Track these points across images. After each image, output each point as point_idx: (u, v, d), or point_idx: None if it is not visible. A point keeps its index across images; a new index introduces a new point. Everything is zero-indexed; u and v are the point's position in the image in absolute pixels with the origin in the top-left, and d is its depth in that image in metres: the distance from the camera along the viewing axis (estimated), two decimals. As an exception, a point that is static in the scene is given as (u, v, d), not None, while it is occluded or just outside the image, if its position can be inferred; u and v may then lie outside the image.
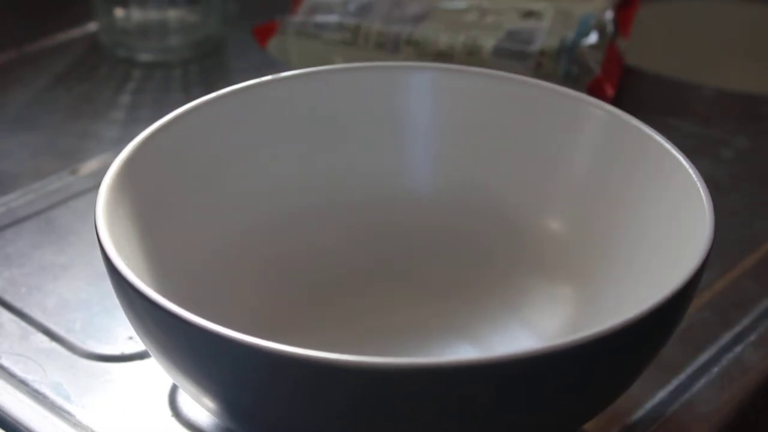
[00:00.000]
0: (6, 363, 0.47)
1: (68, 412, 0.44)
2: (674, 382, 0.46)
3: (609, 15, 0.64)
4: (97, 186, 0.42)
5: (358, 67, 0.50)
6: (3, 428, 0.44)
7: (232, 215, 0.47)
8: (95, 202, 0.40)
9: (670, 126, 0.62)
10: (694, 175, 0.42)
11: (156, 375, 0.46)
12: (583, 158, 0.47)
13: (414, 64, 0.51)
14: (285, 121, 0.49)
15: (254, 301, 0.47)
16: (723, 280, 0.52)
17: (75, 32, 0.76)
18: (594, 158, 0.47)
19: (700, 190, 0.41)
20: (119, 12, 0.72)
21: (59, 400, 0.45)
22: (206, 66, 0.72)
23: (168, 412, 0.44)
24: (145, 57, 0.72)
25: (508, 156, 0.49)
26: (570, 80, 0.61)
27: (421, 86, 0.50)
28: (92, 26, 0.76)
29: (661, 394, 0.45)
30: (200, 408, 0.41)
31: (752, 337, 0.49)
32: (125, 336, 0.48)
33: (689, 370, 0.47)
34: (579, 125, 0.47)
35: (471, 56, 0.62)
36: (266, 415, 0.37)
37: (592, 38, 0.62)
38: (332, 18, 0.65)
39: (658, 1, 0.83)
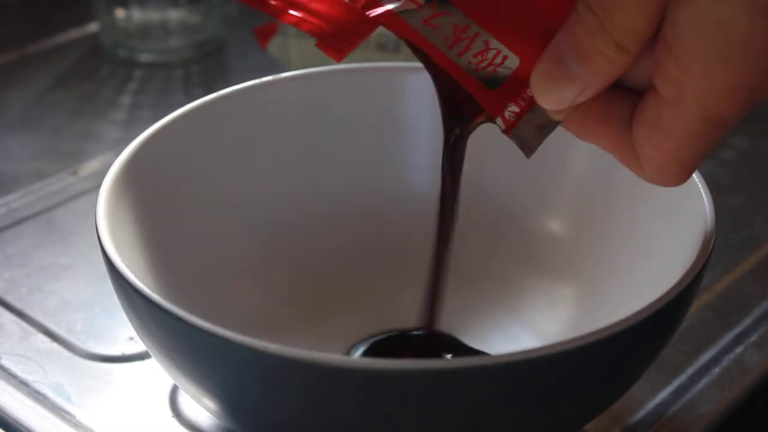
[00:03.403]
0: (7, 364, 0.47)
1: (69, 413, 0.44)
2: (675, 383, 0.46)
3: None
4: (97, 186, 0.42)
5: (359, 68, 0.50)
6: (4, 429, 0.44)
7: (232, 216, 0.47)
8: (96, 203, 0.40)
9: (671, 126, 0.61)
10: (694, 176, 0.42)
11: (157, 375, 0.46)
12: (583, 158, 0.47)
13: (415, 65, 0.51)
14: (285, 122, 0.49)
15: (255, 301, 0.47)
16: (723, 281, 0.52)
17: (76, 33, 0.76)
18: (594, 158, 0.47)
19: (701, 190, 0.41)
20: (120, 13, 0.72)
21: (60, 401, 0.45)
22: (207, 67, 0.72)
23: (169, 412, 0.44)
24: (145, 58, 0.72)
25: (508, 156, 0.49)
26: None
27: (421, 87, 0.50)
28: (93, 27, 0.76)
29: (662, 395, 0.45)
30: (201, 408, 0.41)
31: (753, 338, 0.49)
32: (126, 337, 0.48)
33: (690, 370, 0.47)
34: (579, 126, 0.47)
35: (471, 57, 0.62)
36: (267, 415, 0.37)
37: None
38: (333, 19, 0.65)
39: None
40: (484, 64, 0.37)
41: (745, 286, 0.52)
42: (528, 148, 0.37)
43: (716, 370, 0.47)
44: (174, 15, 0.72)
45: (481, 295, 0.48)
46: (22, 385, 0.46)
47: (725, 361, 0.47)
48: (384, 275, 0.49)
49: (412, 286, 0.49)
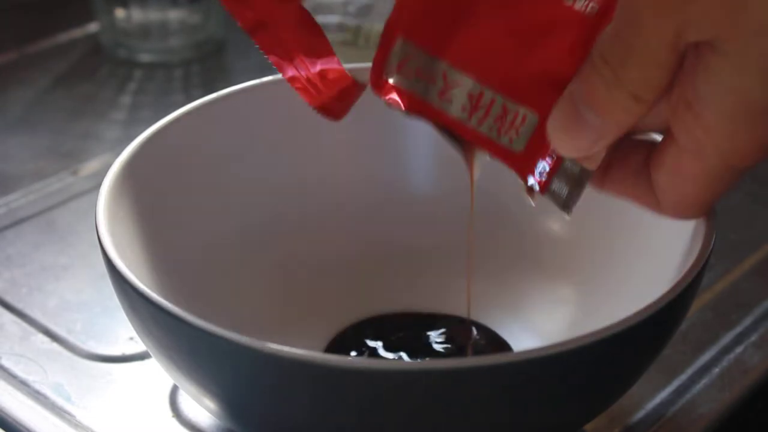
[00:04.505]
0: (7, 364, 0.47)
1: (69, 413, 0.44)
2: (675, 383, 0.46)
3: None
4: (97, 186, 0.42)
5: (359, 68, 0.50)
6: (4, 429, 0.44)
7: (232, 215, 0.47)
8: (96, 203, 0.40)
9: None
10: (694, 176, 0.42)
11: (157, 375, 0.46)
12: (583, 159, 0.47)
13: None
14: (285, 122, 0.49)
15: (255, 301, 0.47)
16: (724, 281, 0.52)
17: (76, 33, 0.76)
18: (594, 159, 0.47)
19: (701, 190, 0.41)
20: (120, 12, 0.72)
21: (60, 401, 0.45)
22: (207, 67, 0.72)
23: (169, 412, 0.44)
24: (145, 58, 0.72)
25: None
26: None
27: (421, 87, 0.50)
28: (93, 27, 0.76)
29: (662, 395, 0.45)
30: (201, 408, 0.41)
31: (753, 338, 0.49)
32: (126, 337, 0.48)
33: (690, 370, 0.47)
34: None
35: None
36: (267, 415, 0.37)
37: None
38: (333, 19, 0.65)
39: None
40: (506, 128, 0.36)
41: (745, 286, 0.52)
42: (566, 205, 0.36)
43: (716, 370, 0.47)
44: (174, 15, 0.72)
45: (482, 295, 0.48)
46: (22, 385, 0.46)
47: (725, 361, 0.47)
48: (383, 275, 0.49)
49: (412, 285, 0.49)
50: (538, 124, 0.36)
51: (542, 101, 0.36)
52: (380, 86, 0.38)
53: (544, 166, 0.36)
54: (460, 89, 0.37)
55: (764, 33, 0.31)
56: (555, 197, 0.36)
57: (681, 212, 0.35)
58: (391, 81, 0.38)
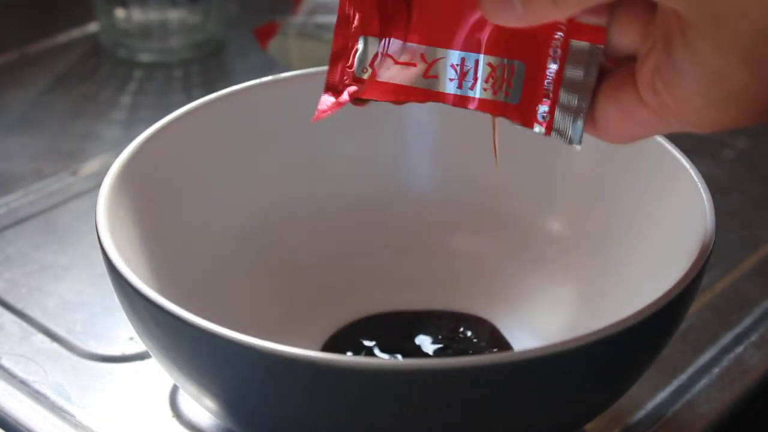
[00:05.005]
0: (7, 364, 0.47)
1: (69, 413, 0.44)
2: (675, 383, 0.46)
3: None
4: (97, 186, 0.42)
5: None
6: (4, 429, 0.44)
7: (232, 215, 0.47)
8: (96, 203, 0.40)
9: (671, 126, 0.61)
10: (694, 176, 0.42)
11: (157, 375, 0.46)
12: (583, 159, 0.47)
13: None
14: (285, 122, 0.49)
15: (255, 301, 0.47)
16: (724, 281, 0.52)
17: (76, 33, 0.76)
18: (594, 159, 0.47)
19: (701, 190, 0.41)
20: (120, 13, 0.72)
21: (60, 401, 0.45)
22: (207, 67, 0.72)
23: (169, 412, 0.44)
24: (145, 58, 0.72)
25: (508, 156, 0.49)
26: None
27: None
28: (93, 27, 0.76)
29: (662, 395, 0.45)
30: (201, 408, 0.41)
31: (753, 338, 0.49)
32: (126, 337, 0.48)
33: (690, 370, 0.47)
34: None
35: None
36: (267, 415, 0.37)
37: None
38: (333, 19, 0.65)
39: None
40: (498, 83, 0.37)
41: (745, 286, 0.52)
42: (573, 138, 0.37)
43: (716, 370, 0.47)
44: (174, 15, 0.72)
45: (482, 295, 0.48)
46: (22, 385, 0.46)
47: (725, 361, 0.47)
48: (384, 274, 0.49)
49: (413, 285, 0.49)
50: (526, 71, 0.37)
51: (521, 48, 0.37)
52: (360, 90, 0.38)
53: (543, 108, 0.37)
54: (441, 63, 0.37)
55: (733, 14, 0.30)
56: (561, 134, 0.37)
57: (614, 140, 0.36)
58: (365, 77, 0.38)
